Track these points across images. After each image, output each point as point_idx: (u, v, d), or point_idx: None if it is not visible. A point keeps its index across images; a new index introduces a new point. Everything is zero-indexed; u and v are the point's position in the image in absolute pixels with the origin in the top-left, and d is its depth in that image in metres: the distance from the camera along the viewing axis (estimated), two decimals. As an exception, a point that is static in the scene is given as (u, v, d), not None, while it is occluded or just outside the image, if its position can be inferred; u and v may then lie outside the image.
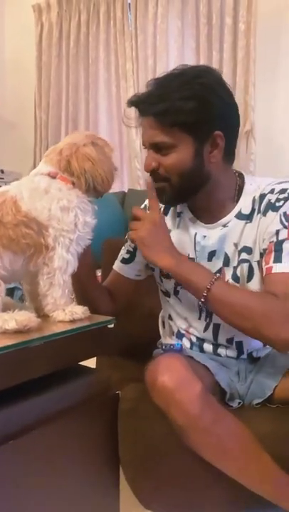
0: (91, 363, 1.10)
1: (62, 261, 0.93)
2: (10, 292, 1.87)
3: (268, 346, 1.19)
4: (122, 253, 1.31)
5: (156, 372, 0.97)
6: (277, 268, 1.03)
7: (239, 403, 1.13)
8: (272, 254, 1.05)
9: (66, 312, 0.95)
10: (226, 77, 3.15)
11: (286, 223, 1.06)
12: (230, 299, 1.01)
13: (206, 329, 1.18)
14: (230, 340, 1.17)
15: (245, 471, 0.99)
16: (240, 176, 1.18)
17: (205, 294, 1.01)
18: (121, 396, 1.03)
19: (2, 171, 3.73)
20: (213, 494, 1.07)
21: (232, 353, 1.19)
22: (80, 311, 0.96)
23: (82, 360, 0.98)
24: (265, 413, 1.09)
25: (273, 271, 1.03)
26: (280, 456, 0.99)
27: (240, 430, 0.98)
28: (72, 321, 0.95)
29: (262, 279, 1.09)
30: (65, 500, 0.92)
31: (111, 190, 1.09)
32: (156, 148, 1.07)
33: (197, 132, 1.04)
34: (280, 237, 1.06)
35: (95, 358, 1.40)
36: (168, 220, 1.22)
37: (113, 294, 1.29)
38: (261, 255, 1.09)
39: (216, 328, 1.17)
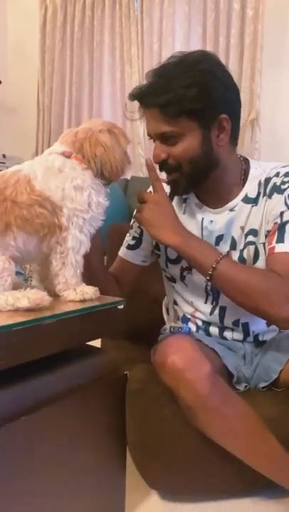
0: (96, 345, 1.10)
1: (76, 241, 0.93)
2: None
3: (273, 328, 1.20)
4: (128, 239, 1.31)
5: (165, 352, 0.98)
6: (279, 248, 1.05)
7: (245, 387, 1.15)
8: (275, 234, 1.06)
9: (77, 292, 0.95)
10: (232, 63, 3.13)
11: None
12: (235, 277, 1.02)
13: (212, 312, 1.19)
14: (236, 323, 1.18)
15: (251, 452, 1.00)
16: (245, 161, 1.19)
17: (210, 272, 1.02)
18: (129, 377, 1.04)
19: (4, 156, 3.70)
20: (218, 475, 1.09)
21: (238, 335, 1.20)
22: (90, 291, 0.96)
23: (90, 340, 0.98)
24: (271, 397, 1.10)
25: (276, 251, 1.05)
26: (285, 439, 1.01)
27: (248, 412, 1.00)
28: (83, 301, 0.95)
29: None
30: (71, 478, 0.92)
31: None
32: (163, 138, 1.07)
33: (203, 118, 1.04)
34: (284, 219, 1.07)
35: (99, 341, 1.41)
36: (174, 206, 1.21)
37: (118, 280, 1.28)
38: (266, 237, 1.10)
39: (223, 311, 1.18)
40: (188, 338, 1.03)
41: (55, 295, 0.96)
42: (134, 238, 1.29)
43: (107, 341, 1.41)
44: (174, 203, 1.22)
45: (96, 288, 0.98)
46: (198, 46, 3.25)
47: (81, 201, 0.93)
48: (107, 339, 1.42)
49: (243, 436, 0.99)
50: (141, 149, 3.47)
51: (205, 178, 1.12)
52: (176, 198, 1.23)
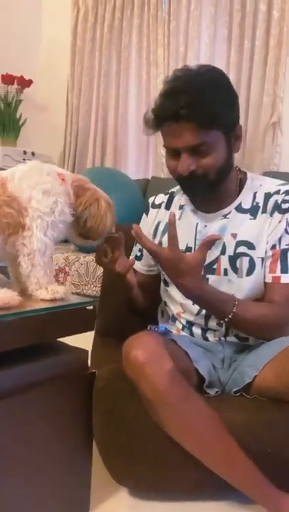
0: (84, 342, 1.15)
1: (41, 243, 0.97)
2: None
3: None
4: (135, 250, 1.39)
5: (130, 346, 1.03)
6: (284, 279, 1.14)
7: (217, 392, 1.16)
8: (279, 263, 1.14)
9: (48, 290, 0.99)
10: (256, 66, 3.08)
11: None
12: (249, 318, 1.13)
13: (198, 313, 1.24)
14: (220, 324, 1.22)
15: (208, 452, 1.02)
16: (241, 172, 1.25)
17: (230, 317, 1.10)
18: (97, 375, 1.07)
19: (33, 154, 3.81)
20: (183, 471, 1.10)
21: (220, 334, 1.23)
22: (61, 290, 1.00)
23: (59, 337, 1.03)
24: (240, 403, 1.11)
25: (282, 281, 1.14)
26: (247, 446, 1.01)
27: (207, 411, 1.01)
28: (54, 300, 0.99)
29: (262, 275, 1.17)
30: (36, 473, 0.96)
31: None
32: (193, 150, 1.10)
33: (227, 128, 1.13)
34: (283, 246, 1.15)
35: (92, 338, 1.45)
36: (170, 213, 1.27)
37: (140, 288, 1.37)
38: (265, 253, 1.16)
39: (208, 315, 1.22)
40: (154, 335, 1.07)
41: (30, 295, 1.02)
42: (140, 250, 1.38)
43: (98, 339, 1.46)
44: (172, 210, 1.30)
45: (68, 288, 1.03)
46: (223, 48, 3.23)
47: (45, 204, 0.98)
48: (99, 337, 1.46)
49: (199, 434, 1.01)
50: (162, 149, 3.47)
51: (222, 183, 1.18)
52: (173, 205, 1.31)
